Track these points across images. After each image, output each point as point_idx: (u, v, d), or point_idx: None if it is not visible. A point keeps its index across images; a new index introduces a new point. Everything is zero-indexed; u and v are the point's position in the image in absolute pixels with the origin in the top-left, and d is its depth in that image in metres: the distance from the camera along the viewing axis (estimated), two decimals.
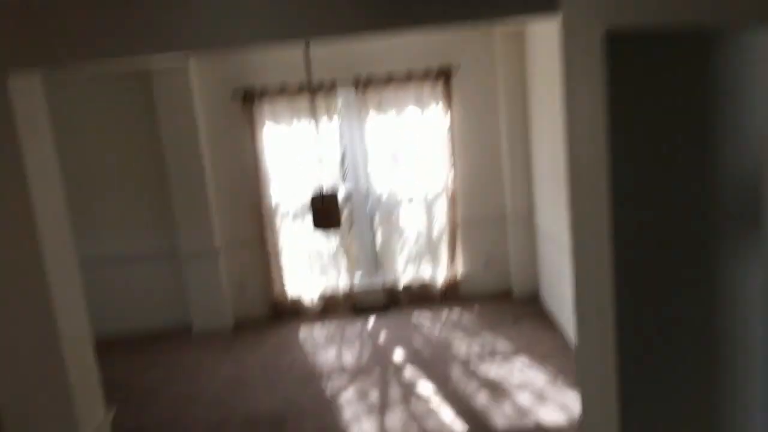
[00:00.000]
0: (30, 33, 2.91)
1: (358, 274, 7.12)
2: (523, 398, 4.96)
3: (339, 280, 7.01)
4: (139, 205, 6.88)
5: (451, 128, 6.71)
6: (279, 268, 6.95)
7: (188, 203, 6.66)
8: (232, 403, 5.35)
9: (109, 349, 6.16)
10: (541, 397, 4.96)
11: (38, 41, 2.94)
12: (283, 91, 6.56)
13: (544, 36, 5.71)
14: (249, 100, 6.59)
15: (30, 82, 3.12)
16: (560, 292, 5.98)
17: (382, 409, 5.03)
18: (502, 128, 6.78)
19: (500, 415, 4.76)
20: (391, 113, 6.72)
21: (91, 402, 3.40)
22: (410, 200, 6.93)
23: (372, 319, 6.81)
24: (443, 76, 6.60)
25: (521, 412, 4.78)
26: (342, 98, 6.77)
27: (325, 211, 4.98)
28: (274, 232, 6.88)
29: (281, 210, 6.90)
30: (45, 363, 3.17)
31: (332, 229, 5.60)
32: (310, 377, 5.68)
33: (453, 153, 6.76)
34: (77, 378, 3.26)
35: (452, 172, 6.78)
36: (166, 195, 6.76)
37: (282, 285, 6.99)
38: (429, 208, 6.94)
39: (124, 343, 6.73)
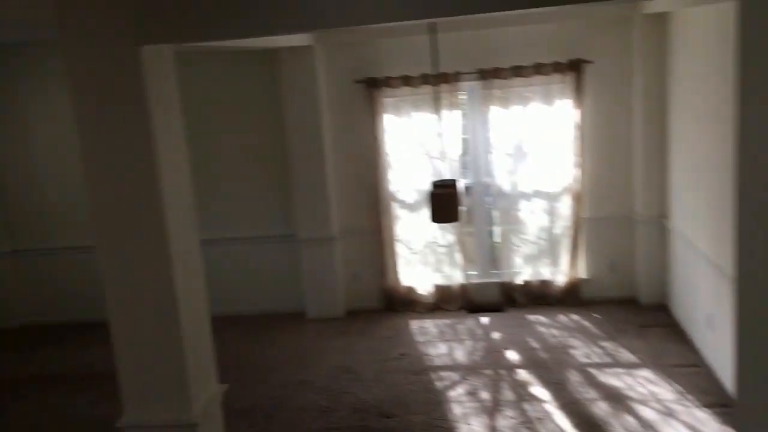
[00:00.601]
0: (164, 9, 2.95)
1: (473, 270, 6.93)
2: (647, 413, 4.60)
3: (454, 274, 6.84)
4: (260, 186, 7.01)
5: (581, 123, 6.36)
6: (393, 259, 6.88)
7: (308, 187, 6.72)
8: (340, 390, 5.33)
9: (224, 327, 6.31)
10: (667, 413, 4.58)
11: (171, 17, 2.97)
12: (406, 81, 6.46)
13: (695, 19, 5.26)
14: (372, 89, 6.54)
15: (162, 58, 3.18)
16: (692, 303, 5.52)
17: (493, 409, 4.83)
18: (636, 125, 6.35)
19: (621, 428, 4.44)
20: (517, 107, 6.47)
21: (205, 375, 3.44)
22: (532, 196, 6.64)
23: (486, 317, 6.60)
24: (574, 69, 6.26)
25: (645, 427, 4.43)
26: (466, 90, 6.58)
27: (443, 204, 4.83)
28: (390, 222, 6.81)
29: (399, 200, 6.83)
30: (163, 335, 3.23)
31: (450, 222, 5.46)
32: (420, 371, 5.57)
33: (581, 149, 6.41)
34: (192, 351, 3.30)
35: (579, 168, 6.44)
36: (287, 178, 6.85)
37: (396, 276, 6.91)
38: (552, 204, 6.63)
39: (239, 324, 6.89)
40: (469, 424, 4.65)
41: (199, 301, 3.45)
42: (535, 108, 6.45)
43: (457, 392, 5.14)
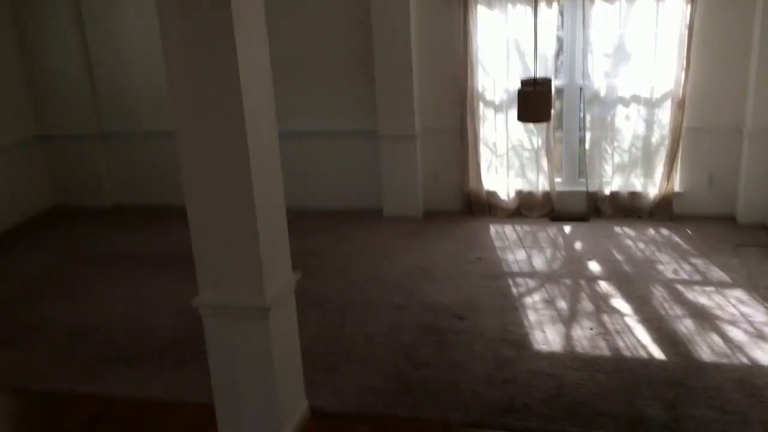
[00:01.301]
0: None
1: (559, 177, 6.63)
2: (736, 334, 4.34)
3: (539, 180, 6.56)
4: (343, 80, 6.82)
5: (691, 23, 5.79)
6: (476, 161, 6.64)
7: (391, 83, 6.48)
8: (414, 289, 5.29)
9: (301, 221, 6.32)
10: (759, 335, 4.31)
11: None
12: None
13: None
14: None
15: None
16: None
17: (569, 319, 4.68)
18: (755, 28, 5.73)
19: (707, 347, 4.21)
20: (622, 2, 5.94)
21: (279, 263, 3.42)
22: (630, 101, 6.19)
23: (569, 226, 6.35)
24: None
25: (733, 347, 4.19)
26: None
27: (533, 102, 4.53)
28: (475, 122, 6.53)
29: (486, 99, 6.51)
30: (238, 220, 3.19)
31: (539, 122, 5.16)
32: (496, 276, 5.44)
33: (689, 51, 5.87)
34: (267, 237, 3.26)
35: (684, 73, 5.92)
36: (371, 72, 6.61)
37: (478, 178, 6.70)
38: (651, 111, 6.17)
39: (315, 218, 6.90)
40: (543, 331, 4.53)
41: (275, 189, 3.38)
42: (642, 4, 5.91)
43: (533, 299, 5.01)
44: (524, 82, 4.58)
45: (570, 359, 4.20)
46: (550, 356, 4.25)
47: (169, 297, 5.38)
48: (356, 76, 6.75)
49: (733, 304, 4.71)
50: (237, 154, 3.10)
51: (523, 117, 4.57)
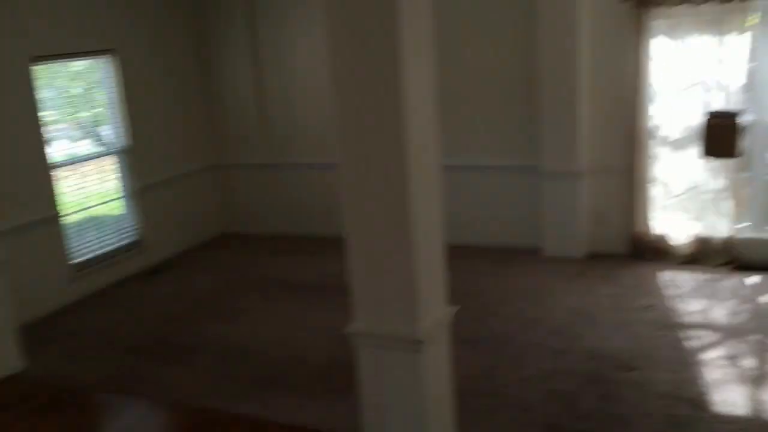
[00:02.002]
0: None
1: (745, 222, 5.98)
2: None
3: (719, 224, 5.96)
4: (503, 112, 6.64)
5: None
6: (646, 201, 6.17)
7: (556, 116, 6.21)
8: (574, 334, 4.93)
9: (455, 255, 6.15)
10: None
11: None
12: None
13: None
14: (641, 8, 5.77)
15: None
16: None
17: (758, 380, 4.13)
18: None
19: None
20: None
21: (434, 296, 3.29)
22: None
23: (756, 277, 5.69)
24: None
25: None
26: (760, 9, 5.54)
27: (720, 134, 4.12)
28: (647, 160, 6.08)
29: (660, 135, 6.06)
30: (396, 250, 3.12)
31: (725, 158, 4.69)
32: (669, 326, 4.95)
33: None
34: (423, 269, 3.15)
35: None
36: (534, 105, 6.39)
37: (646, 220, 6.21)
38: None
39: (471, 253, 6.71)
40: (725, 391, 4.02)
41: (434, 221, 3.27)
42: None
43: (713, 355, 4.48)
44: (712, 115, 4.17)
45: (757, 427, 3.67)
46: (734, 421, 3.75)
47: (325, 325, 5.40)
48: (517, 108, 6.55)
49: None
50: (397, 184, 3.03)
51: (708, 152, 4.17)
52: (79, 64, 6.68)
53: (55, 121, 6.44)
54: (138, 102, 6.99)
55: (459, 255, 6.27)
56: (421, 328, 3.14)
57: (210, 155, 8.04)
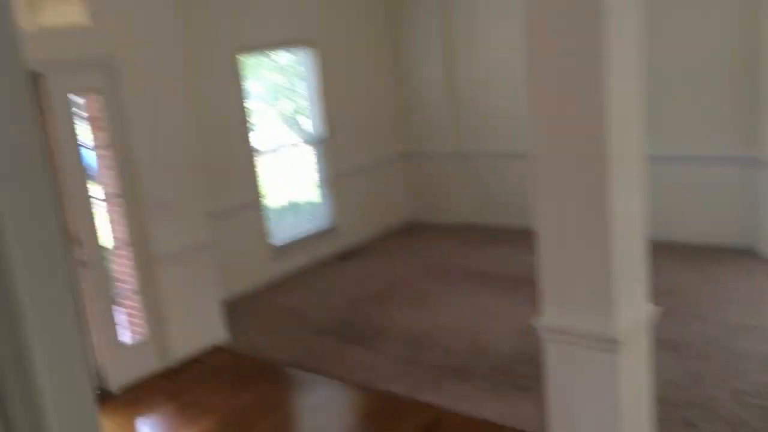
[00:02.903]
0: None
1: None
2: None
3: None
4: (716, 98, 5.98)
5: None
6: None
7: None
8: None
9: (658, 252, 5.66)
10: None
11: None
12: None
13: None
14: None
15: None
16: None
17: None
18: None
19: None
20: None
21: (633, 293, 3.01)
22: None
23: None
24: None
25: None
26: None
27: None
28: None
29: None
30: (592, 243, 2.89)
31: None
32: None
33: None
34: (622, 265, 2.89)
35: None
36: (753, 89, 5.69)
37: None
38: None
39: (674, 251, 6.15)
40: None
41: (636, 214, 2.99)
42: None
43: None
44: None
45: None
46: None
47: (512, 318, 5.24)
48: (732, 91, 5.87)
49: None
50: (596, 174, 2.80)
51: None
52: (282, 57, 7.06)
53: (259, 111, 6.87)
54: (335, 92, 7.25)
55: (662, 252, 5.81)
56: (617, 327, 2.89)
57: (401, 144, 8.15)
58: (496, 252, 6.88)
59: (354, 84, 7.53)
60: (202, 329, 5.28)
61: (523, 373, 4.33)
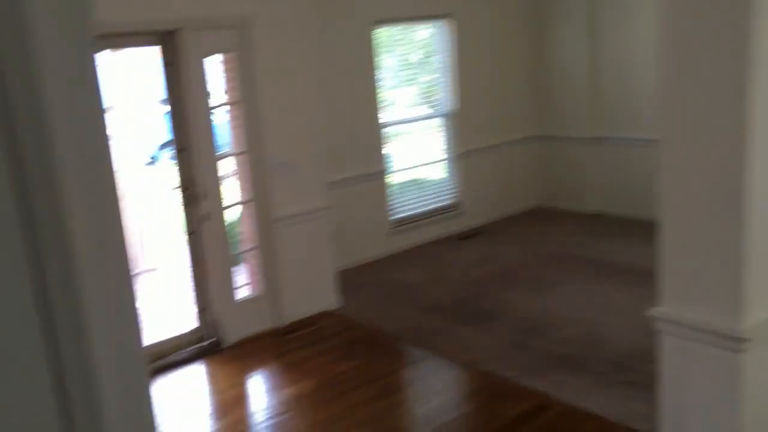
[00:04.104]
0: None
1: None
2: None
3: None
4: None
5: None
6: None
7: None
8: None
9: None
10: None
11: None
12: None
13: None
14: None
15: None
16: None
17: None
18: None
19: None
20: None
21: (766, 291, 2.67)
22: None
23: None
24: None
25: None
26: None
27: None
28: None
29: None
30: (722, 232, 2.61)
31: None
32: None
33: None
34: (755, 256, 2.57)
35: None
36: None
37: None
38: None
39: None
40: None
41: None
42: None
43: None
44: None
45: None
46: None
47: (634, 313, 4.88)
48: None
49: None
50: (732, 161, 2.51)
51: None
52: (417, 30, 6.98)
53: (389, 83, 6.84)
54: (469, 67, 7.08)
55: None
56: (746, 324, 2.58)
57: (533, 125, 7.84)
58: (625, 244, 6.46)
59: (490, 59, 7.31)
60: (315, 293, 5.35)
61: (639, 369, 4.02)
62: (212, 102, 4.80)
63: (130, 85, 6.72)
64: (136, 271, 6.73)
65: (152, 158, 9.86)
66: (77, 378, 0.86)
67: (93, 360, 0.87)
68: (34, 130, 0.78)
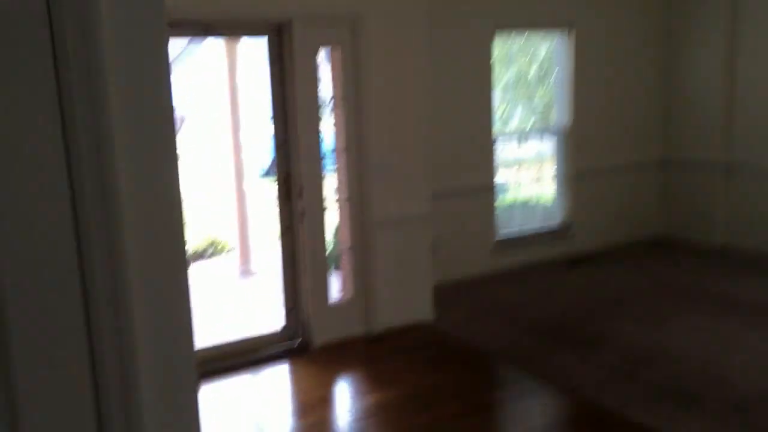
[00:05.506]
0: None
1: None
2: None
3: None
4: None
5: None
6: None
7: None
8: None
9: None
10: None
11: None
12: None
13: None
14: None
15: None
16: None
17: None
18: None
19: None
20: None
21: None
22: None
23: None
24: None
25: None
26: None
27: None
28: None
29: None
30: None
31: None
32: None
33: None
34: None
35: None
36: None
37: None
38: None
39: None
40: None
41: None
42: None
43: None
44: None
45: None
46: None
47: (758, 352, 4.39)
48: None
49: None
50: None
51: None
52: (535, 41, 6.72)
53: (504, 96, 6.61)
54: (588, 81, 6.72)
55: None
56: None
57: (658, 147, 7.33)
58: (754, 280, 5.85)
59: (611, 74, 6.90)
60: (410, 303, 5.17)
61: (763, 412, 3.54)
62: (319, 97, 4.76)
63: (244, 87, 6.87)
64: (240, 269, 6.82)
65: (265, 171, 10.10)
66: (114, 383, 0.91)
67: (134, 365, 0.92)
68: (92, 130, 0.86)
